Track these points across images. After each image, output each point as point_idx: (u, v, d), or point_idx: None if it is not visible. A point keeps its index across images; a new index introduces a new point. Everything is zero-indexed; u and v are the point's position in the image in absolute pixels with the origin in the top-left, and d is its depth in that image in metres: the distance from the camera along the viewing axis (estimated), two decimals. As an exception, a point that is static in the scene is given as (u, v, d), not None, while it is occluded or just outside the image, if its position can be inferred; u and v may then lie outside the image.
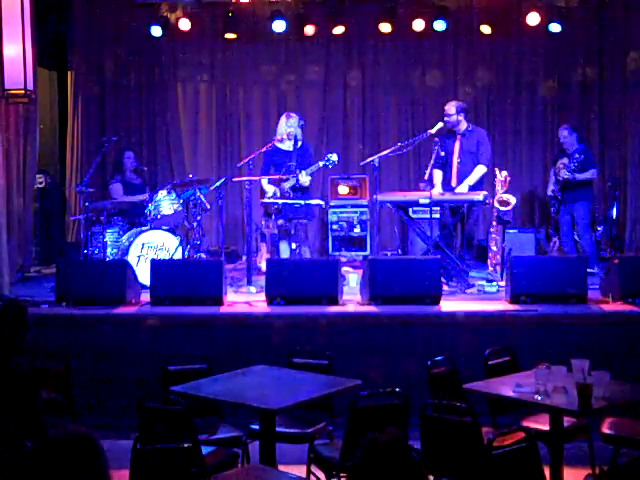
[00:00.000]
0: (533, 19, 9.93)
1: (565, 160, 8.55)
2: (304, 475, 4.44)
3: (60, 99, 10.73)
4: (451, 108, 7.77)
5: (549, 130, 10.53)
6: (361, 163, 8.09)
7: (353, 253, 9.75)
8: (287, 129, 7.85)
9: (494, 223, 8.60)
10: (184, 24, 10.35)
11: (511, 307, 6.42)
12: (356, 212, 9.93)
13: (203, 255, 7.97)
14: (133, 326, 6.31)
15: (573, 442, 4.60)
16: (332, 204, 9.92)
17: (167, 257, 7.70)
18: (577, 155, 8.38)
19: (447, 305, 6.48)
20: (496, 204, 8.46)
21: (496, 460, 3.52)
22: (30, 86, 6.98)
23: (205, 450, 4.16)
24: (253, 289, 7.20)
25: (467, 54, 10.58)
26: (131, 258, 7.56)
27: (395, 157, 8.74)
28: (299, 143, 7.94)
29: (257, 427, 4.43)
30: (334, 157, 7.67)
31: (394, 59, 10.67)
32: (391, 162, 9.83)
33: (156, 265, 6.79)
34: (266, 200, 7.86)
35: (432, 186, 7.78)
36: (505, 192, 8.51)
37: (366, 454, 2.37)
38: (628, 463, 3.63)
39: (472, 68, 10.59)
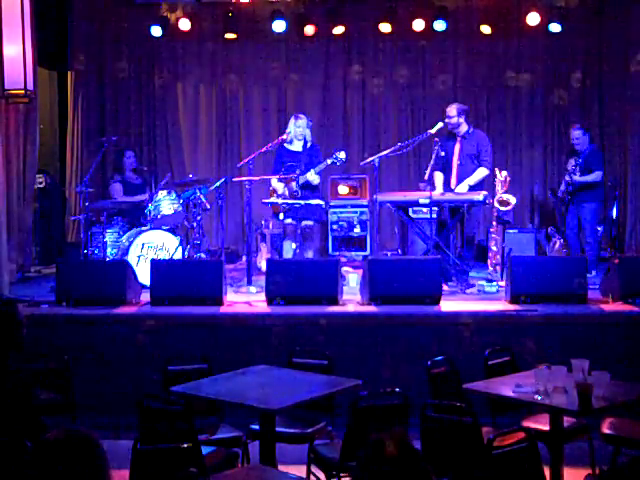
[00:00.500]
0: (533, 19, 9.94)
1: (573, 161, 8.54)
2: (304, 475, 4.44)
3: (60, 99, 10.74)
4: (452, 110, 7.76)
5: (549, 130, 10.55)
6: (361, 163, 8.09)
7: (353, 253, 9.75)
8: (296, 130, 7.87)
9: (494, 223, 8.61)
10: (184, 24, 10.36)
11: (511, 307, 6.42)
12: (356, 212, 9.93)
13: (203, 255, 7.96)
14: (133, 326, 6.31)
15: (573, 442, 4.60)
16: (332, 204, 9.93)
17: (167, 257, 7.70)
18: (584, 158, 8.34)
19: (447, 305, 6.48)
20: (496, 204, 8.46)
21: (496, 460, 3.52)
22: (30, 86, 6.98)
23: (205, 450, 4.16)
24: (253, 289, 7.20)
25: (467, 54, 10.58)
26: (131, 258, 7.56)
27: (395, 157, 8.75)
28: (308, 144, 7.95)
29: (257, 427, 4.43)
30: (342, 154, 7.67)
31: (394, 59, 10.67)
32: (391, 162, 9.84)
33: (156, 265, 6.79)
34: (267, 200, 7.87)
35: (433, 188, 7.78)
36: (505, 192, 8.52)
37: (371, 453, 2.37)
38: (628, 463, 3.62)
39: (472, 68, 10.59)
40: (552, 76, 10.49)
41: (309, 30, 10.34)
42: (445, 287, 7.00)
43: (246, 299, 6.88)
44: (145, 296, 6.79)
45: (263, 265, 7.72)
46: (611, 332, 6.07)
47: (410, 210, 8.46)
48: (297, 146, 7.92)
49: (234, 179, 8.49)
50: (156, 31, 10.19)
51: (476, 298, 6.94)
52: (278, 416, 4.27)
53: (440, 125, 7.67)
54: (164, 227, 7.95)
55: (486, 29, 10.19)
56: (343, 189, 10.21)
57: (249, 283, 7.34)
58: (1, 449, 3.25)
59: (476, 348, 5.26)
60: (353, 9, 10.41)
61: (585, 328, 6.09)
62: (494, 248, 8.49)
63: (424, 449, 3.96)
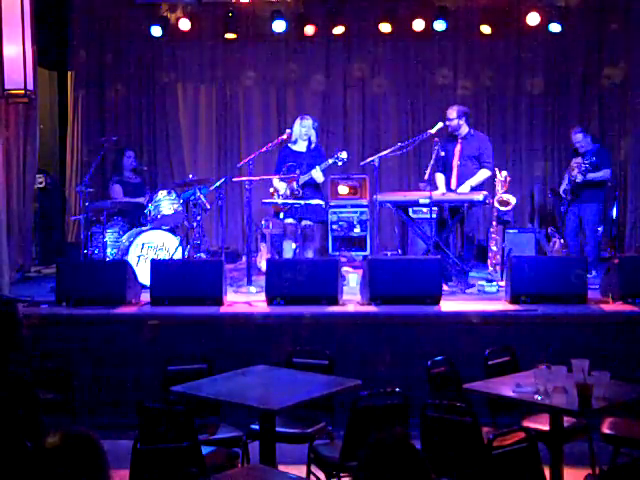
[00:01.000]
0: (533, 19, 9.94)
1: (579, 160, 8.44)
2: (304, 475, 4.44)
3: (60, 99, 10.74)
4: (452, 112, 7.76)
5: (549, 130, 10.54)
6: (361, 163, 8.10)
7: (353, 253, 9.75)
8: (300, 129, 7.87)
9: (494, 223, 8.61)
10: (184, 24, 10.36)
11: (511, 307, 6.42)
12: (356, 212, 9.93)
13: (203, 255, 7.97)
14: (133, 326, 6.31)
15: (573, 442, 4.60)
16: (332, 204, 9.93)
17: (167, 257, 7.70)
18: (590, 156, 8.29)
19: (447, 305, 6.48)
20: (496, 204, 8.46)
21: (496, 460, 3.52)
22: (30, 86, 6.98)
23: (205, 450, 4.16)
24: (253, 289, 7.20)
25: (467, 54, 10.59)
26: (131, 258, 7.56)
27: (395, 157, 8.75)
28: (312, 145, 7.95)
29: (257, 427, 4.42)
30: (344, 155, 7.68)
31: (394, 59, 10.67)
32: (391, 162, 9.83)
33: (156, 265, 6.79)
34: (267, 200, 7.87)
35: (433, 188, 7.77)
36: (505, 192, 8.52)
37: (372, 453, 2.37)
38: (628, 463, 3.62)
39: (472, 68, 10.59)
40: (552, 76, 10.49)
41: (309, 30, 10.34)
42: (445, 287, 7.00)
43: (246, 299, 6.88)
44: (145, 296, 6.79)
45: (263, 265, 7.72)
46: (611, 332, 6.07)
47: (410, 210, 8.46)
48: (301, 146, 7.93)
49: (234, 179, 8.49)
50: (156, 31, 10.19)
51: (476, 298, 6.94)
52: (278, 416, 4.27)
53: (440, 125, 7.66)
54: (164, 227, 7.94)
55: (486, 29, 10.19)
56: (343, 189, 10.21)
57: (249, 283, 7.34)
58: (1, 449, 3.25)
59: (476, 348, 5.25)
60: (353, 9, 10.40)
61: (585, 328, 6.09)
62: (494, 248, 8.49)
63: (424, 449, 3.96)
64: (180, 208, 8.10)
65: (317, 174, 7.71)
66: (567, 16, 10.02)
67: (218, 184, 8.05)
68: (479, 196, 7.37)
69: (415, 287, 6.46)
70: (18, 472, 3.10)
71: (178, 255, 7.74)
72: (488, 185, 8.16)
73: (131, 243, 7.76)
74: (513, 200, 8.50)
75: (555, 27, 9.91)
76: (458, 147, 7.78)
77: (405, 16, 10.22)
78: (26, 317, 6.06)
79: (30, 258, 9.08)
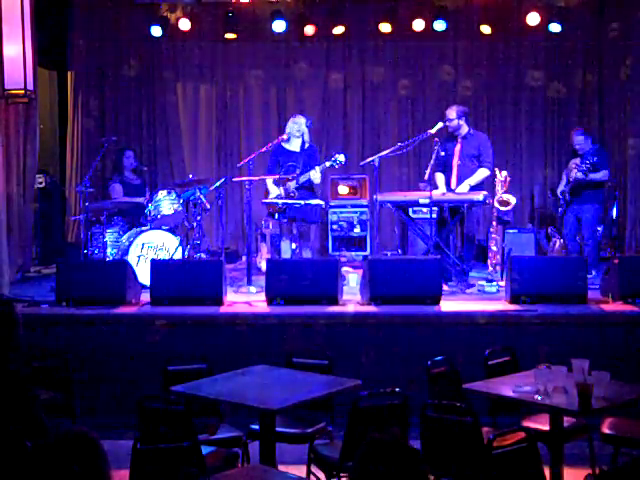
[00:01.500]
0: (533, 19, 9.94)
1: (577, 160, 8.42)
2: (304, 475, 4.44)
3: (60, 99, 10.74)
4: (452, 112, 7.76)
5: (549, 130, 10.56)
6: (361, 163, 8.09)
7: (353, 253, 9.75)
8: (292, 126, 7.87)
9: (494, 223, 8.61)
10: (184, 24, 10.36)
11: (511, 307, 6.42)
12: (356, 212, 9.94)
13: (203, 255, 7.97)
14: (133, 326, 6.31)
15: (573, 442, 4.60)
16: (332, 204, 9.93)
17: (167, 257, 7.70)
18: (590, 156, 8.28)
19: (447, 305, 6.48)
20: (496, 204, 8.47)
21: (496, 460, 3.52)
22: (30, 86, 6.98)
23: (205, 450, 4.16)
24: (253, 289, 7.20)
25: (467, 54, 10.59)
26: (131, 258, 7.56)
27: (395, 157, 8.75)
28: (306, 144, 7.94)
29: (257, 427, 4.42)
30: (341, 157, 7.66)
31: (394, 59, 10.67)
32: (391, 162, 9.84)
33: (156, 265, 6.79)
34: (266, 200, 7.87)
35: (433, 188, 7.76)
36: (505, 192, 8.52)
37: (367, 454, 2.37)
38: (628, 463, 3.62)
39: (472, 68, 10.59)
40: (552, 76, 10.50)
41: (309, 30, 10.34)
42: (445, 287, 7.00)
43: (246, 299, 6.88)
44: (145, 296, 6.79)
45: (263, 265, 7.72)
46: (611, 332, 6.07)
47: (410, 210, 8.47)
48: (295, 146, 7.91)
49: (234, 179, 8.49)
50: (156, 31, 10.19)
51: (476, 298, 6.94)
52: (278, 416, 4.27)
53: (440, 125, 7.66)
54: (164, 227, 7.94)
55: (486, 29, 10.20)
56: (343, 189, 10.22)
57: (249, 283, 7.34)
58: (1, 449, 3.25)
59: (476, 348, 5.25)
60: (353, 9, 10.41)
61: (585, 328, 6.09)
62: (494, 248, 8.50)
63: (424, 449, 3.96)
64: (180, 208, 8.10)
65: (316, 174, 7.71)
66: (567, 16, 10.02)
67: (218, 184, 8.04)
68: (479, 196, 7.37)
69: (415, 287, 6.46)
70: (18, 472, 3.09)
71: (178, 255, 7.74)
72: (488, 185, 8.16)
73: (131, 243, 7.75)
74: (513, 200, 8.51)
75: (555, 27, 9.92)
76: (458, 147, 7.78)
77: (405, 16, 10.22)
78: (26, 317, 6.07)
79: (30, 258, 9.08)
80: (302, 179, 7.68)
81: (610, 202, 9.71)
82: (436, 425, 3.95)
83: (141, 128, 10.81)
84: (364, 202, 9.95)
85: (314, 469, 4.50)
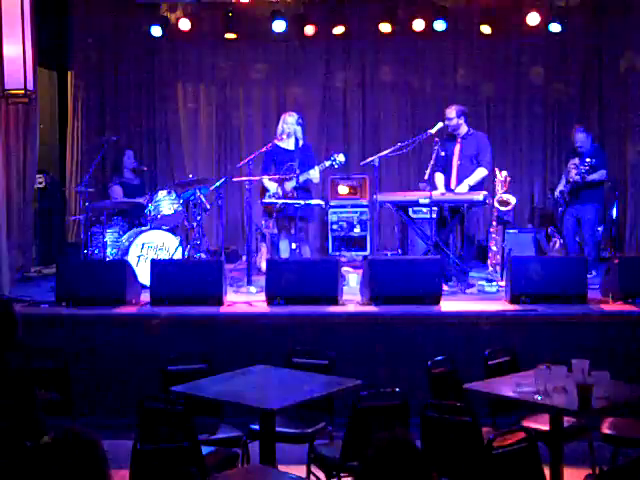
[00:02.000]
0: (533, 19, 9.94)
1: (576, 161, 8.40)
2: (304, 475, 4.44)
3: (60, 99, 10.73)
4: (451, 112, 7.76)
5: (549, 130, 10.55)
6: (361, 163, 8.09)
7: (353, 253, 9.75)
8: (284, 127, 7.87)
9: (494, 223, 8.61)
10: (184, 24, 10.36)
11: (511, 307, 6.42)
12: (356, 212, 9.94)
13: (203, 255, 7.97)
14: (133, 326, 6.31)
15: (573, 442, 4.60)
16: (332, 204, 9.93)
17: (167, 257, 7.70)
18: (589, 158, 8.26)
19: (447, 305, 6.48)
20: (496, 204, 8.47)
21: (496, 460, 3.52)
22: (30, 86, 6.97)
23: (205, 450, 4.16)
24: (253, 289, 7.20)
25: (467, 54, 10.59)
26: (131, 258, 7.56)
27: (395, 157, 8.74)
28: (300, 142, 7.94)
29: (257, 427, 4.42)
30: (341, 157, 7.65)
31: (394, 59, 10.67)
32: (391, 162, 9.84)
33: (156, 265, 6.79)
34: (266, 200, 7.86)
35: (433, 188, 7.77)
36: (505, 192, 8.52)
37: (374, 453, 2.37)
38: (628, 463, 3.62)
39: (472, 68, 10.59)
40: (552, 76, 10.49)
41: (309, 30, 10.35)
42: (445, 287, 7.00)
43: (246, 299, 6.88)
44: (145, 296, 6.79)
45: (263, 265, 7.72)
46: (611, 332, 6.07)
47: (410, 210, 8.46)
48: (289, 144, 7.91)
49: (234, 179, 8.48)
50: (156, 31, 10.19)
51: (476, 298, 6.95)
52: (278, 416, 4.26)
53: (440, 125, 7.66)
54: (164, 227, 7.95)
55: (486, 29, 10.19)
56: (343, 189, 10.22)
57: (249, 283, 7.34)
58: (1, 449, 3.25)
59: (476, 348, 5.25)
60: (353, 9, 10.40)
61: (585, 328, 6.09)
62: (494, 248, 8.50)
63: (424, 449, 3.96)
64: (180, 208, 8.10)
65: (315, 174, 7.71)
66: (567, 16, 10.01)
67: (218, 184, 8.04)
68: (479, 196, 7.37)
69: (415, 287, 6.46)
70: (18, 472, 3.10)
71: (178, 255, 7.74)
72: (488, 185, 8.16)
73: (131, 243, 7.76)
74: (513, 200, 8.50)
75: (555, 27, 9.92)
76: (457, 147, 7.79)
77: (405, 16, 10.22)
78: (26, 317, 6.07)
79: (30, 258, 9.07)
80: (302, 178, 7.68)
81: (610, 202, 9.71)
82: (436, 425, 3.95)
83: (141, 128, 10.81)
84: (364, 202, 9.95)
85: (314, 469, 4.50)
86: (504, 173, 8.60)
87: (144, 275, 7.07)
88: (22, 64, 6.85)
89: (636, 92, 9.99)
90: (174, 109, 10.85)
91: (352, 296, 6.75)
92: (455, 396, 4.49)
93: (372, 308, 6.42)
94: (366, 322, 6.28)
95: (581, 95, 10.45)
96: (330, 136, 10.64)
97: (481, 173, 7.70)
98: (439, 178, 7.80)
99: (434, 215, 7.61)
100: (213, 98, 10.88)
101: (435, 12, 10.04)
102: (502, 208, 8.48)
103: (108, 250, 8.22)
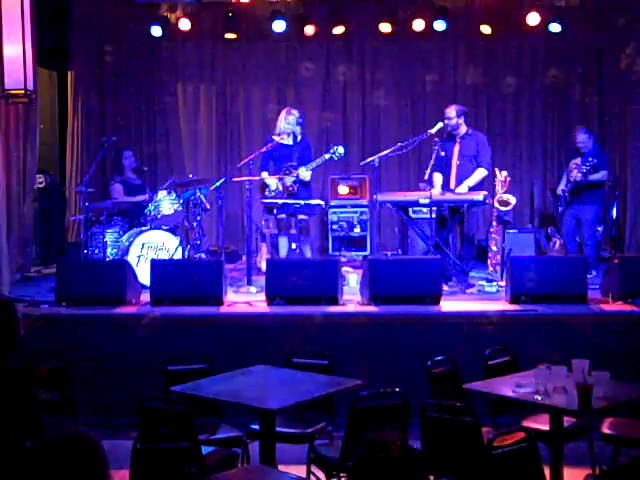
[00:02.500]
0: (533, 19, 9.94)
1: (578, 161, 8.40)
2: (304, 475, 4.44)
3: (60, 99, 10.73)
4: (451, 111, 7.76)
5: (549, 130, 10.55)
6: (361, 163, 8.09)
7: (353, 253, 9.75)
8: (285, 126, 7.87)
9: (494, 223, 8.61)
10: (184, 24, 10.36)
11: (511, 307, 6.42)
12: (356, 212, 9.94)
13: (203, 255, 7.97)
14: (133, 326, 6.31)
15: (573, 442, 4.60)
16: (332, 204, 9.93)
17: (167, 257, 7.71)
18: (591, 157, 8.25)
19: (447, 305, 6.48)
20: (496, 204, 8.46)
21: (496, 460, 3.52)
22: (30, 86, 6.97)
23: (205, 450, 4.17)
24: (253, 289, 7.20)
25: (467, 54, 10.59)
26: (131, 258, 7.56)
27: (395, 157, 8.74)
28: (299, 137, 7.95)
29: (257, 427, 4.42)
30: (340, 149, 7.66)
31: (394, 59, 10.67)
32: (391, 162, 9.84)
33: (156, 265, 6.79)
34: (266, 200, 7.87)
35: (432, 188, 7.77)
36: (505, 192, 8.52)
37: (366, 453, 2.37)
38: (628, 463, 3.62)
39: (472, 68, 10.59)
40: (552, 76, 10.49)
41: (309, 30, 10.34)
42: (445, 287, 7.00)
43: (246, 299, 6.88)
44: (145, 296, 6.79)
45: (263, 265, 7.72)
46: (611, 332, 6.07)
47: (410, 210, 8.46)
48: (288, 140, 7.91)
49: (234, 179, 8.49)
50: (156, 31, 10.19)
51: (476, 298, 6.95)
52: (278, 416, 4.26)
53: (440, 125, 7.66)
54: (164, 227, 7.95)
55: (486, 29, 10.19)
56: (343, 189, 10.22)
57: (249, 283, 7.34)
58: (1, 449, 3.25)
59: (476, 348, 5.25)
60: (353, 9, 10.40)
61: (585, 328, 6.09)
62: (494, 248, 8.49)
63: (424, 449, 3.97)
64: (180, 208, 8.10)
65: (303, 174, 7.75)
66: (567, 16, 10.01)
67: (218, 184, 8.05)
68: (479, 196, 7.37)
69: (415, 287, 6.46)
70: (18, 472, 3.10)
71: (178, 255, 7.74)
72: (488, 185, 8.16)
73: (131, 243, 7.76)
74: (513, 200, 8.50)
75: (555, 27, 9.91)
76: (457, 147, 7.79)
77: (405, 16, 10.22)
78: (26, 317, 6.07)
79: (30, 258, 9.07)
80: (302, 173, 7.69)
81: (610, 202, 9.71)
82: (436, 425, 3.95)
83: (141, 128, 10.80)
84: (364, 202, 9.95)
85: (314, 469, 4.50)
86: (504, 173, 8.60)
87: (144, 275, 7.08)
88: (22, 64, 6.85)
89: (636, 92, 9.98)
90: (174, 109, 10.84)
91: (352, 296, 6.75)
92: (455, 396, 4.48)
93: (372, 308, 6.42)
94: (366, 322, 6.28)
95: (581, 95, 10.45)
96: (330, 136, 10.62)
97: (480, 174, 7.70)
98: (437, 178, 7.79)
99: (434, 215, 7.61)
100: (213, 98, 10.88)
101: (435, 12, 10.04)
102: (502, 208, 8.48)
103: (108, 250, 8.22)
